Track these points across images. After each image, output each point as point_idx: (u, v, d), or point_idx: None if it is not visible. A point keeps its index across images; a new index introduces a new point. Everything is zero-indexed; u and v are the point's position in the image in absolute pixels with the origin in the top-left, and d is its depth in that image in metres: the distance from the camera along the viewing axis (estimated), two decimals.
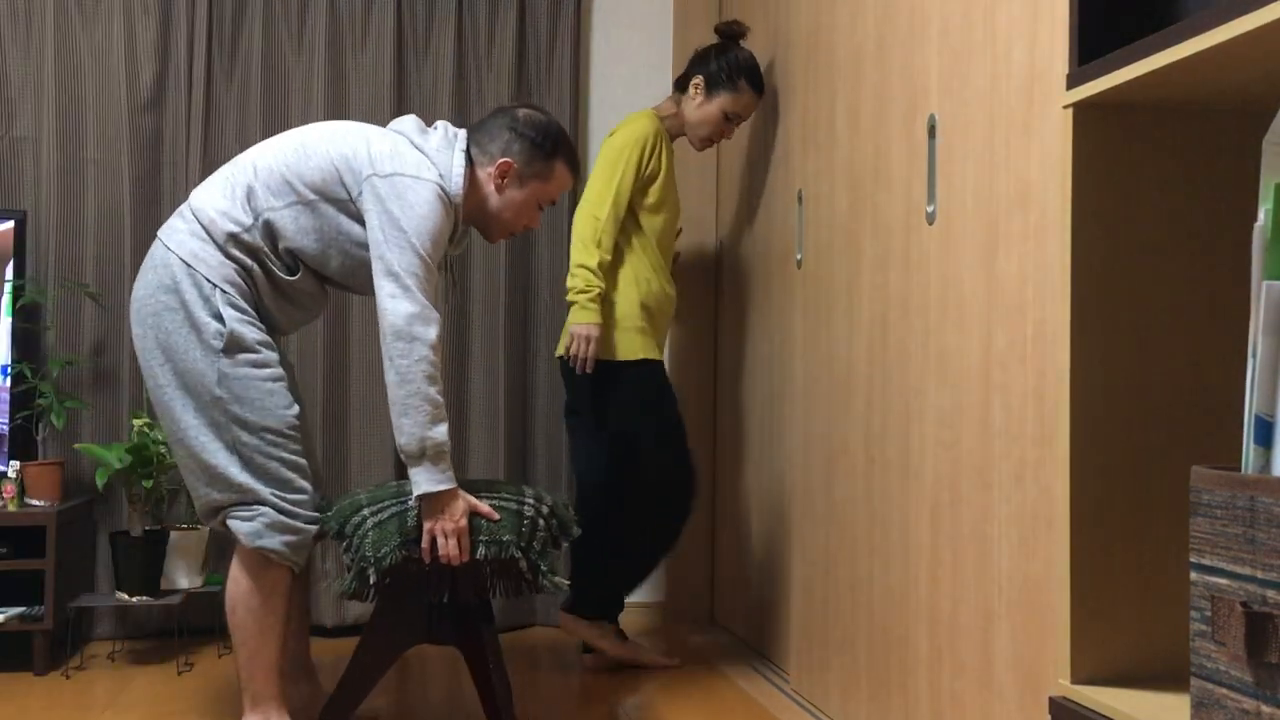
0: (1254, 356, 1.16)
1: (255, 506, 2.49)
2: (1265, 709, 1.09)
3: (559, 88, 3.91)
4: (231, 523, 2.51)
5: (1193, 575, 1.19)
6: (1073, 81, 1.47)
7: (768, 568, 3.44)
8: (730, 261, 3.89)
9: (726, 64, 3.34)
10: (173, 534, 3.42)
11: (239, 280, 2.51)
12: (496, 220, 2.72)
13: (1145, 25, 1.47)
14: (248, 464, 2.48)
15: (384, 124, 3.77)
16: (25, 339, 3.56)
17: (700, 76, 3.36)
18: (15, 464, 3.38)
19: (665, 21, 4.08)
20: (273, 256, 2.54)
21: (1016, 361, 1.95)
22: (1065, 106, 1.51)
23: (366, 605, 3.69)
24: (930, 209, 2.29)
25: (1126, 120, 1.52)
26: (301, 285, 2.58)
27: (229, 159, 3.74)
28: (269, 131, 3.75)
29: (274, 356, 2.53)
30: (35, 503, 3.36)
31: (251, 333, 2.49)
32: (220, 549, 3.70)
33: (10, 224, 3.50)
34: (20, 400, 3.51)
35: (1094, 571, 1.51)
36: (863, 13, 2.67)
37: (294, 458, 2.52)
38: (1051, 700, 1.51)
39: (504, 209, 2.70)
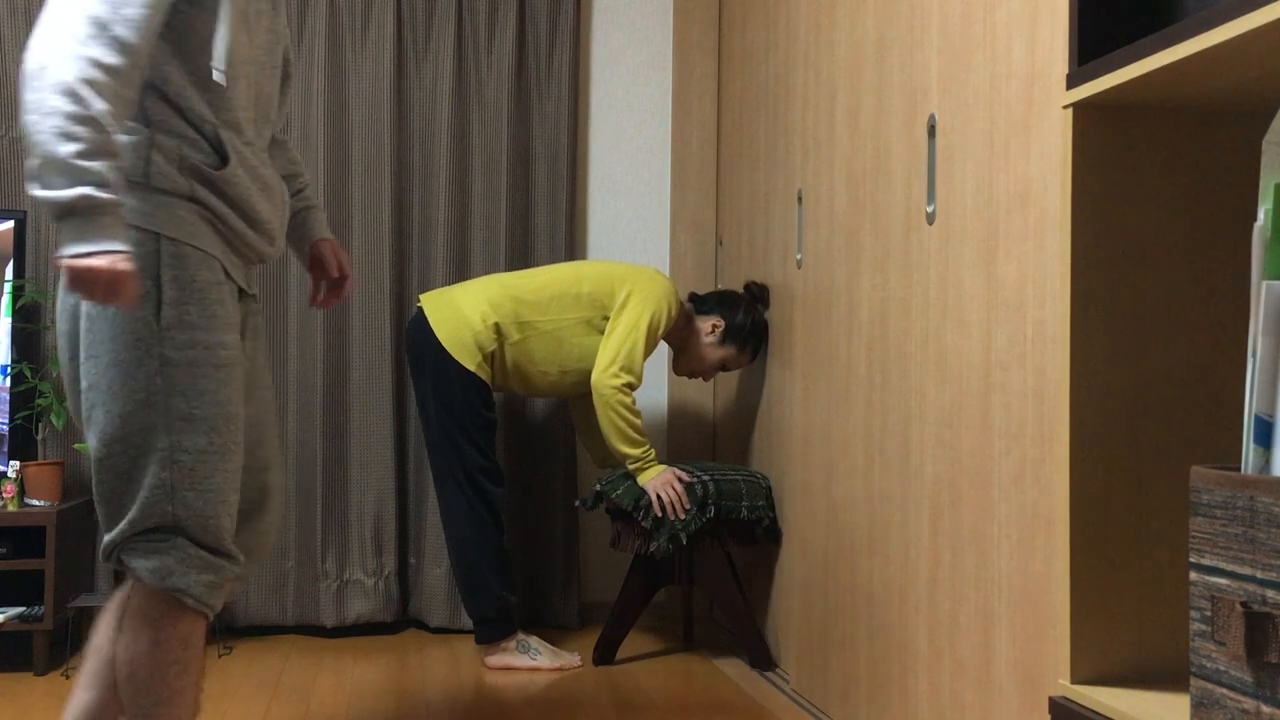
0: (1254, 356, 1.16)
1: (167, 535, 1.93)
2: (1265, 709, 1.09)
3: (559, 88, 3.91)
4: (130, 557, 1.94)
5: (1192, 575, 1.19)
6: (1073, 81, 1.47)
7: (768, 568, 3.44)
8: (730, 261, 3.88)
9: (751, 325, 3.45)
10: None
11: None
12: None
13: (1145, 25, 1.47)
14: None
15: (384, 123, 3.77)
16: (25, 339, 3.56)
17: (722, 321, 3.45)
18: (15, 464, 3.38)
19: (665, 21, 4.08)
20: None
21: (1016, 361, 1.95)
22: (1065, 106, 1.51)
23: (366, 605, 3.70)
24: (930, 209, 2.29)
25: (1126, 120, 1.52)
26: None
27: None
28: None
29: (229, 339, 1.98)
30: (35, 503, 3.36)
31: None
32: None
33: (10, 224, 3.50)
34: (20, 400, 3.51)
35: (1094, 571, 1.51)
36: (863, 12, 2.67)
37: (231, 474, 1.97)
38: (1051, 700, 1.51)
39: None
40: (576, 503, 3.58)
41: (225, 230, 2.00)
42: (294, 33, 3.77)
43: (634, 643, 3.66)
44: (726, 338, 3.46)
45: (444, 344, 3.32)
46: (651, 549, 3.25)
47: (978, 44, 2.11)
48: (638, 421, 3.28)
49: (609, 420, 3.26)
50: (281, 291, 3.77)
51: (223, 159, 1.99)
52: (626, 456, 3.28)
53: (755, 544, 3.38)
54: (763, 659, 3.34)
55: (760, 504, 3.32)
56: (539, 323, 3.37)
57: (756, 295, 3.49)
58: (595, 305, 3.38)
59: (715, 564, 3.38)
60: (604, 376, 3.27)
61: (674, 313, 3.40)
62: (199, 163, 1.96)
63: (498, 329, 3.34)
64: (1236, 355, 1.54)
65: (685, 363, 3.55)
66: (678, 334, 3.52)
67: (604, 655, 3.40)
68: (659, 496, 3.23)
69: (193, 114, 1.96)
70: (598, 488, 3.46)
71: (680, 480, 3.26)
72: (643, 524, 3.25)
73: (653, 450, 3.29)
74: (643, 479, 3.28)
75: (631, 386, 3.28)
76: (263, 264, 2.00)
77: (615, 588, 3.97)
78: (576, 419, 3.70)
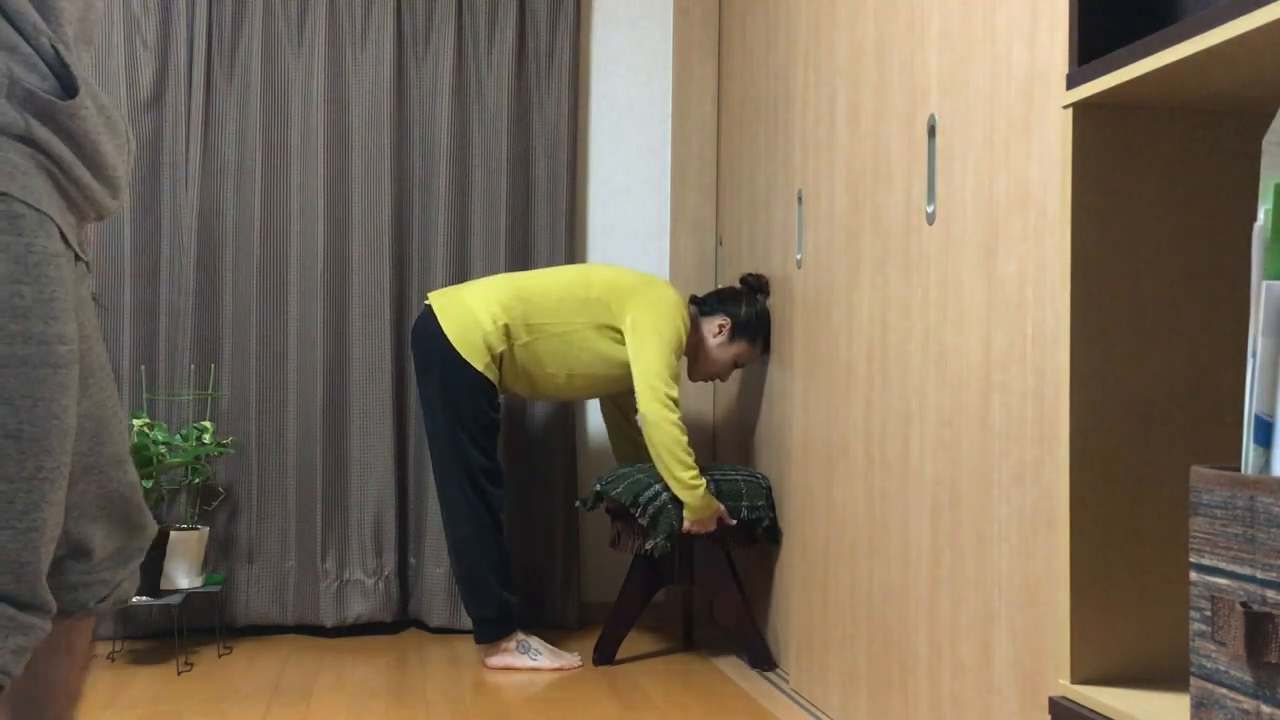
0: (1254, 356, 1.16)
1: None
2: (1265, 709, 1.09)
3: (559, 88, 3.91)
4: None
5: (1192, 575, 1.19)
6: (1073, 81, 1.47)
7: (768, 568, 3.44)
8: (730, 261, 3.89)
9: (756, 316, 3.43)
10: (173, 534, 3.42)
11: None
12: None
13: (1145, 25, 1.47)
14: None
15: (383, 124, 3.77)
16: None
17: (729, 319, 3.43)
18: None
19: (665, 21, 4.08)
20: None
21: (1016, 361, 1.96)
22: (1065, 106, 1.51)
23: (366, 605, 3.70)
24: (930, 209, 2.29)
25: (1126, 120, 1.52)
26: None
27: (229, 159, 3.75)
28: (269, 131, 3.75)
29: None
30: None
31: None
32: (220, 548, 3.70)
33: None
34: None
35: (1094, 571, 1.51)
36: (863, 12, 2.67)
37: (58, 506, 1.48)
38: (1051, 700, 1.51)
39: None
40: (576, 503, 3.58)
41: (65, 181, 1.49)
42: (294, 32, 3.78)
43: (634, 643, 3.66)
44: (736, 334, 3.45)
45: (453, 343, 3.32)
46: (649, 546, 3.25)
47: (978, 44, 2.11)
48: (685, 439, 3.26)
49: (664, 444, 3.22)
50: (281, 290, 3.77)
51: (68, 88, 1.46)
52: (677, 481, 3.23)
53: (755, 544, 3.38)
54: (763, 659, 3.34)
55: (760, 504, 3.32)
56: (548, 325, 3.36)
57: (755, 286, 3.49)
58: (604, 310, 3.37)
59: (715, 564, 3.38)
60: (652, 403, 3.25)
61: (687, 323, 3.40)
62: (36, 88, 1.42)
63: (507, 330, 3.34)
64: (1236, 355, 1.54)
65: (700, 367, 3.53)
66: (688, 341, 3.51)
67: (604, 655, 3.40)
68: (690, 532, 3.28)
69: (23, 21, 1.41)
70: (597, 488, 3.46)
71: (721, 522, 3.30)
72: (640, 521, 3.25)
73: (702, 479, 3.26)
74: (691, 504, 3.24)
75: (676, 404, 3.28)
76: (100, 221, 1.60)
77: (615, 588, 3.97)
78: (608, 419, 3.71)
